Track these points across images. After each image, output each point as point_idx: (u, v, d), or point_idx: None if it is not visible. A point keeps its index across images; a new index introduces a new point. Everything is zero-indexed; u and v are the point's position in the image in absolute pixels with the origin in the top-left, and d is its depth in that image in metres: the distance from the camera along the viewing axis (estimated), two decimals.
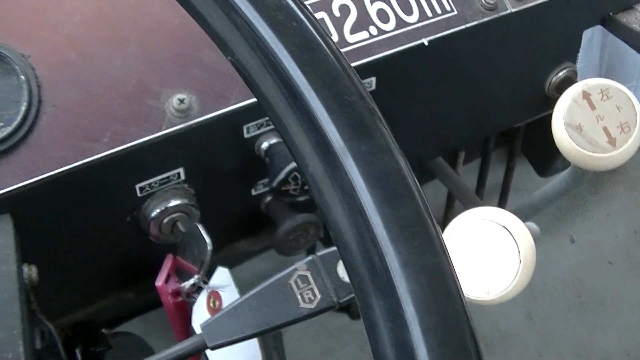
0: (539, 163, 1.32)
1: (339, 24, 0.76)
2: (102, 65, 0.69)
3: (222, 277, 0.74)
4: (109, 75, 0.69)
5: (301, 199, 0.74)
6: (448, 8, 0.80)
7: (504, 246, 0.59)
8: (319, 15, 0.75)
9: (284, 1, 0.38)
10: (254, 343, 0.74)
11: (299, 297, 0.48)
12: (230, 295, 0.73)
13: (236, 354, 0.72)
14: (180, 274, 0.76)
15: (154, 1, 0.72)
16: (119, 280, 0.83)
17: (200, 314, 0.71)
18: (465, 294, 0.35)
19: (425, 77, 0.84)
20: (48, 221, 0.70)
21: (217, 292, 0.73)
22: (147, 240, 0.75)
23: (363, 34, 0.76)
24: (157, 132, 0.69)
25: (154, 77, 0.70)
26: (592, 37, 0.93)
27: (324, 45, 0.37)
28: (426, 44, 0.78)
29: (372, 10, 0.77)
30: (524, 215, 0.85)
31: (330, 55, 0.37)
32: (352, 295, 0.48)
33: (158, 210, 0.73)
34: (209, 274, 0.75)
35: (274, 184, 0.72)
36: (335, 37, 0.75)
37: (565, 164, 1.22)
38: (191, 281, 0.72)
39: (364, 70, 0.76)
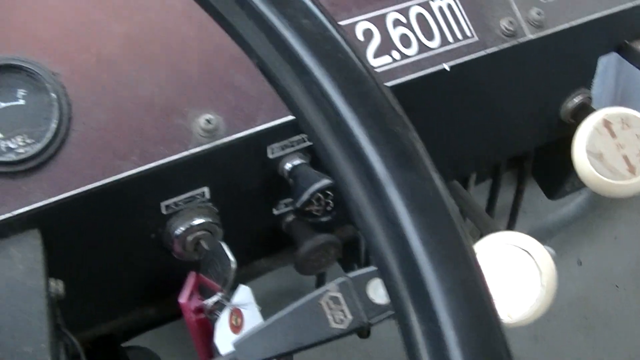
0: (548, 185, 1.34)
1: (362, 48, 0.77)
2: (131, 84, 0.71)
3: (243, 294, 0.76)
4: (138, 94, 0.70)
5: (324, 219, 0.75)
6: (469, 34, 0.82)
7: (526, 270, 0.60)
8: None
9: (328, 33, 0.40)
10: None
11: (330, 317, 0.49)
12: (251, 312, 0.74)
13: None
14: (203, 291, 0.77)
15: (182, 23, 0.74)
16: (141, 296, 0.84)
17: (222, 331, 0.72)
18: None
19: (444, 102, 0.85)
20: (75, 237, 0.71)
21: (239, 310, 0.74)
22: (171, 257, 0.76)
23: (386, 59, 0.78)
24: (184, 151, 0.70)
25: (181, 97, 0.71)
26: (608, 64, 0.95)
27: (370, 78, 0.39)
28: (448, 69, 0.79)
29: (395, 35, 0.79)
30: (538, 238, 0.86)
31: (376, 87, 0.38)
32: (383, 316, 0.50)
33: (182, 228, 0.74)
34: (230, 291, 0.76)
35: (298, 204, 0.73)
36: None
37: (574, 187, 1.23)
38: (215, 298, 0.73)
39: None
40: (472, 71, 0.83)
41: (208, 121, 0.70)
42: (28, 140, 0.67)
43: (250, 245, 0.86)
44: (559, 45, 0.88)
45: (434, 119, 0.87)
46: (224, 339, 0.71)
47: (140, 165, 0.69)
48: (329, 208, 0.74)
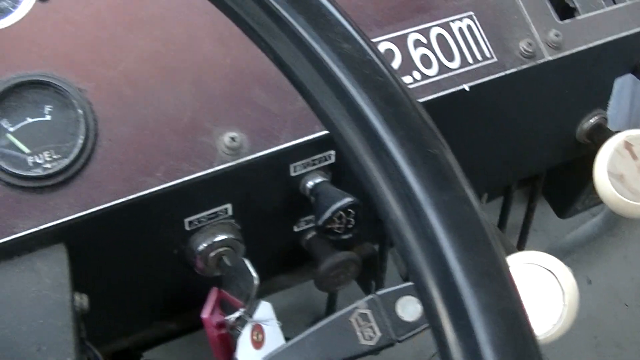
0: (558, 204, 1.34)
1: None
2: (156, 101, 0.71)
3: (265, 310, 0.76)
4: (163, 111, 0.71)
5: (345, 237, 0.76)
6: (488, 55, 0.83)
7: (549, 289, 0.61)
8: None
9: (367, 56, 0.41)
10: None
11: (359, 334, 0.50)
12: (272, 328, 0.75)
13: None
14: (224, 306, 0.77)
15: (207, 41, 0.75)
16: (162, 310, 0.84)
17: (244, 347, 0.73)
18: None
19: (463, 122, 0.86)
20: (99, 251, 0.72)
21: (261, 326, 0.75)
22: (193, 272, 0.77)
23: (407, 79, 0.78)
24: (208, 168, 0.71)
25: (206, 115, 0.72)
26: (623, 85, 0.96)
27: (408, 100, 0.40)
28: (467, 89, 0.80)
29: (415, 55, 0.80)
30: (555, 257, 0.87)
31: (413, 109, 0.39)
32: (411, 333, 0.50)
33: (205, 244, 0.75)
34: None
35: (320, 222, 0.74)
36: None
37: (585, 205, 1.24)
38: (237, 314, 0.74)
39: None
40: (490, 92, 0.84)
41: (232, 139, 0.71)
42: (55, 156, 0.67)
43: (270, 262, 0.86)
44: (576, 67, 0.89)
45: (453, 139, 0.87)
46: (246, 354, 0.72)
47: (165, 182, 0.69)
48: (350, 226, 0.75)
